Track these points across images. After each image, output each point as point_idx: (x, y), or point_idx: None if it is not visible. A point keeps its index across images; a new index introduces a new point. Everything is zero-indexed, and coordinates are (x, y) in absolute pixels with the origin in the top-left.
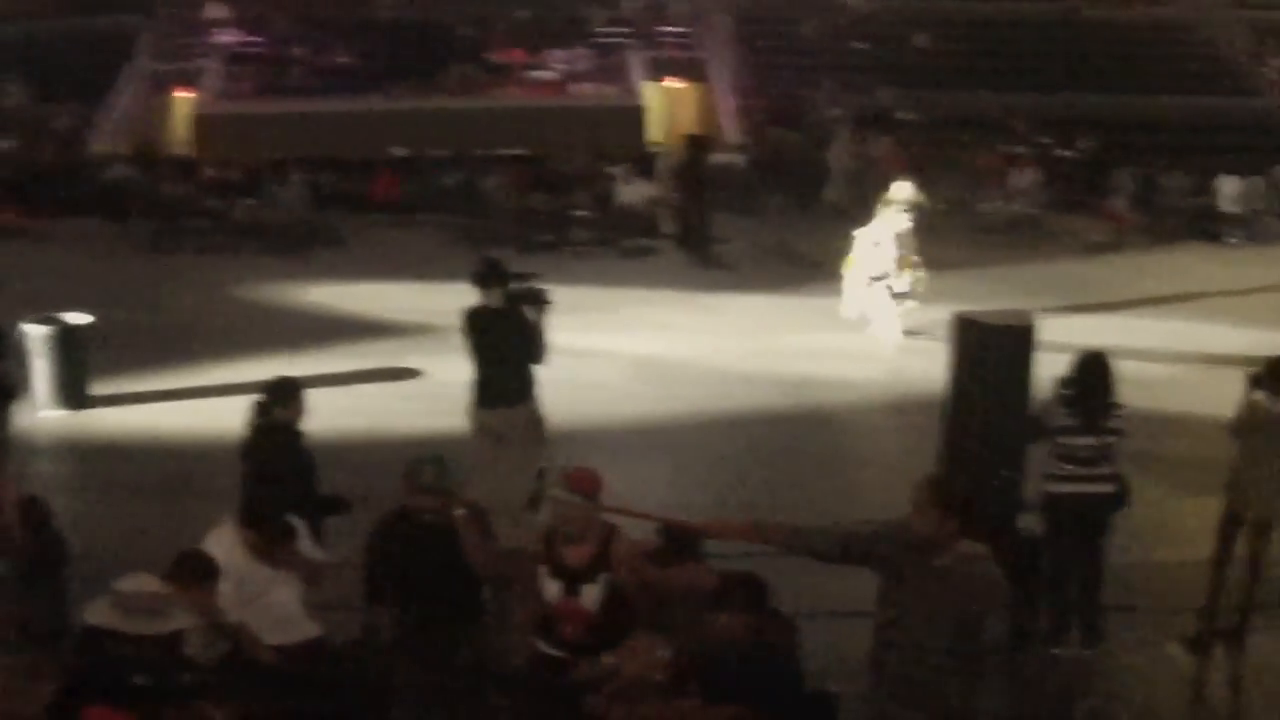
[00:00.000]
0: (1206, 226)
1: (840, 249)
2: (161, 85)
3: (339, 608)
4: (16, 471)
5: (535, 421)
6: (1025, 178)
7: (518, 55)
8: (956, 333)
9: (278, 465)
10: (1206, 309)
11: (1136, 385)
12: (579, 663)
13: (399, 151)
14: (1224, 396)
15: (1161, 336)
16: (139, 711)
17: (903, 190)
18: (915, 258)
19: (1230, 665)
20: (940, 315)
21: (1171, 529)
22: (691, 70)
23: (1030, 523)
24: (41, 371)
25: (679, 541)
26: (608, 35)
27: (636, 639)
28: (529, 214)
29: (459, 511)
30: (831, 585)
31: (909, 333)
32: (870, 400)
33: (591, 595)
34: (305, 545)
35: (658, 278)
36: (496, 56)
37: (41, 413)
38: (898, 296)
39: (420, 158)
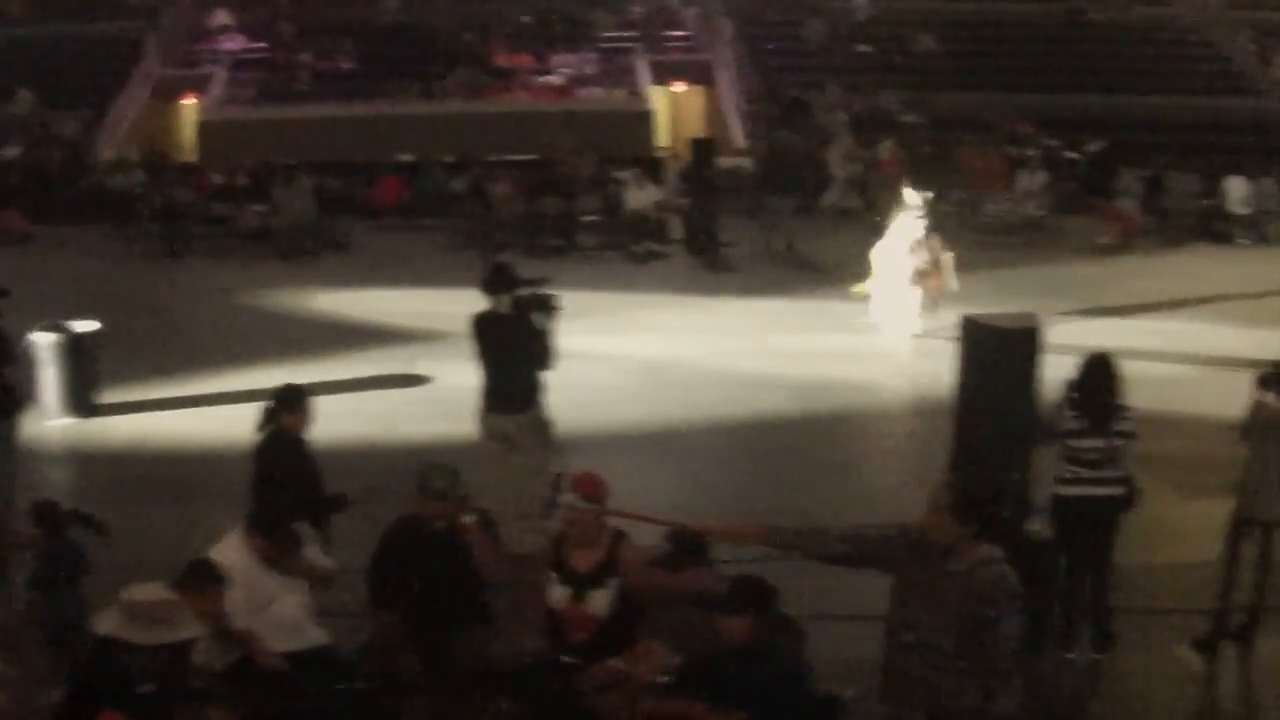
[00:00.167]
0: (1214, 227)
1: (846, 251)
2: (167, 92)
3: (347, 614)
4: (27, 480)
5: (543, 426)
6: (1032, 180)
7: (523, 60)
8: (964, 335)
9: (285, 472)
10: (1214, 310)
11: (1145, 387)
12: (587, 667)
13: (404, 156)
14: (1232, 398)
15: (1169, 338)
16: (148, 719)
17: (913, 196)
18: (943, 257)
19: (1241, 667)
20: (949, 317)
21: (1181, 531)
22: (697, 74)
23: (1039, 526)
24: (50, 379)
25: (686, 546)
26: (613, 40)
27: (644, 643)
28: (536, 219)
29: (468, 518)
30: (841, 588)
31: (924, 335)
32: (879, 403)
33: (600, 600)
34: (313, 552)
35: (665, 282)
36: (501, 61)
37: (50, 420)
38: (915, 301)
39: (426, 162)
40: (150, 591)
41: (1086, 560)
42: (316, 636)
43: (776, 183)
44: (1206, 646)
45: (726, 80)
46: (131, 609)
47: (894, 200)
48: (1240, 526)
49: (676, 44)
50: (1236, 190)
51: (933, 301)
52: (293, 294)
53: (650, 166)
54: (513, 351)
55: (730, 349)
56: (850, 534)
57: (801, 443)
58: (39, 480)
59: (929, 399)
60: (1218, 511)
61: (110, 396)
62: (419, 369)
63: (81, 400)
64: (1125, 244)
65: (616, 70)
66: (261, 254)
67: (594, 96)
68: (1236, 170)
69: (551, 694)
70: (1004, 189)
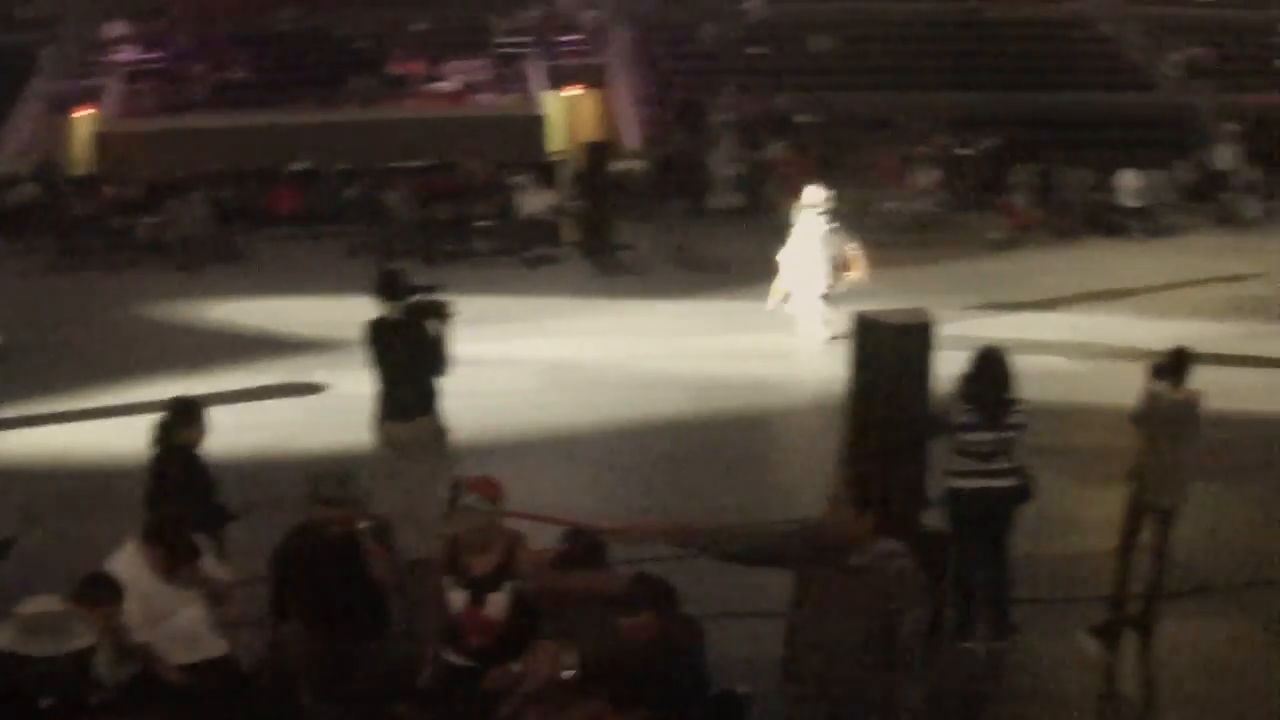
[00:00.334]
0: (1107, 220)
1: (737, 251)
2: (63, 104)
3: (245, 625)
4: None
5: (440, 433)
6: (926, 177)
7: (417, 67)
8: (856, 332)
9: (181, 484)
10: (1108, 302)
11: (1040, 379)
12: (487, 671)
13: (300, 165)
14: (1126, 387)
15: (1064, 330)
16: None
17: (814, 194)
18: (852, 255)
19: (1139, 652)
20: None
21: (1077, 519)
22: (592, 77)
23: (934, 518)
24: None
25: (583, 547)
26: (508, 45)
27: (543, 645)
28: (431, 225)
29: (362, 524)
30: (740, 586)
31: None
32: (780, 401)
33: (497, 603)
34: (210, 564)
35: (562, 285)
36: (396, 68)
37: None
38: (825, 300)
39: (321, 171)
40: (45, 604)
41: (982, 551)
42: (215, 647)
43: (669, 184)
44: (1107, 633)
45: (621, 84)
46: (26, 622)
47: (788, 200)
48: (1135, 514)
49: (572, 48)
50: (1129, 183)
51: (848, 293)
52: (189, 305)
53: (544, 171)
54: (407, 358)
55: (629, 351)
56: (755, 532)
57: (703, 443)
58: None
59: (829, 396)
60: (1113, 499)
61: (5, 411)
62: (316, 378)
63: None
64: (1019, 238)
65: (511, 75)
66: (158, 266)
67: (487, 102)
68: (1129, 163)
69: (451, 699)
70: (898, 186)
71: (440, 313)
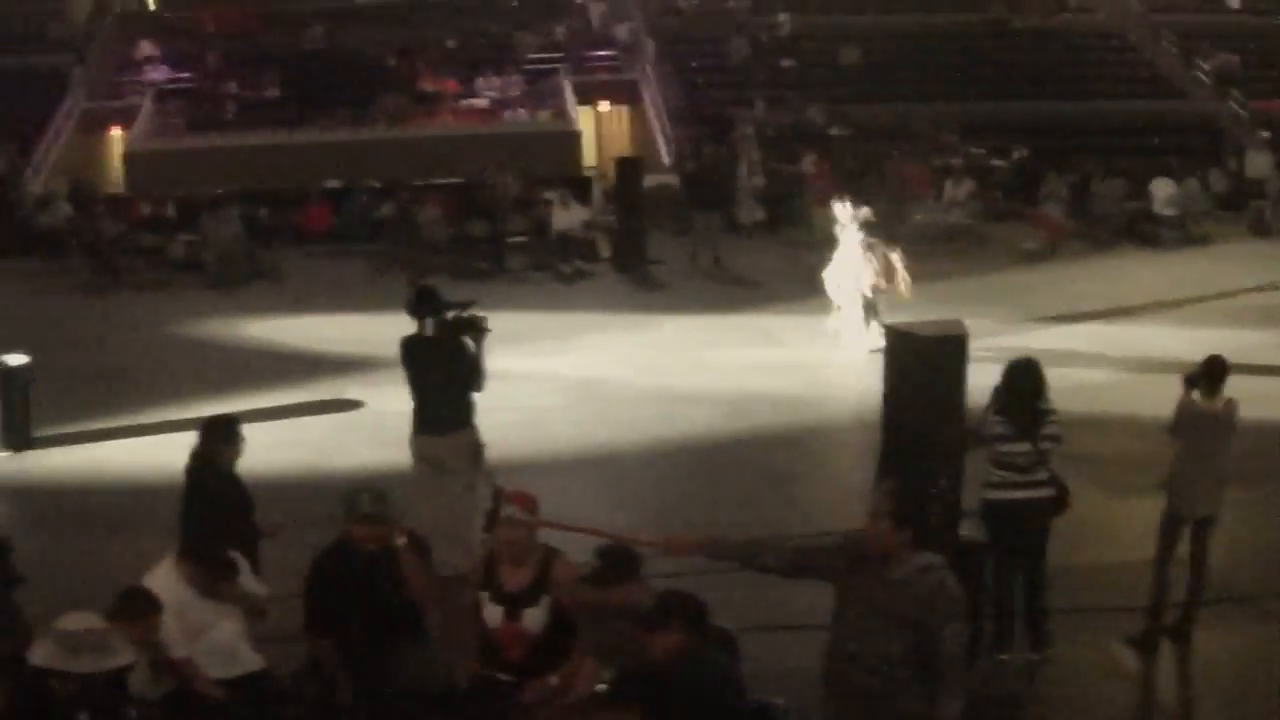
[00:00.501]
0: (1141, 230)
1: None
2: (95, 124)
3: (282, 640)
4: None
5: (475, 448)
6: (958, 188)
7: (449, 84)
8: (890, 345)
9: (218, 501)
10: (1144, 312)
11: (1075, 390)
12: (522, 685)
13: (331, 183)
14: (1161, 398)
15: (1098, 341)
16: None
17: (852, 210)
18: (896, 266)
19: (1177, 662)
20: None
21: (1114, 530)
22: (623, 93)
23: (971, 530)
24: None
25: (617, 562)
26: (539, 61)
27: (578, 660)
28: (465, 241)
29: (399, 540)
30: (773, 599)
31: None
32: (816, 415)
33: (533, 618)
34: (246, 579)
35: (595, 301)
36: (427, 85)
37: None
38: (869, 310)
39: (353, 189)
40: (83, 620)
41: (1019, 563)
42: (252, 662)
43: (701, 199)
44: (1144, 644)
45: (652, 99)
46: (64, 639)
47: (821, 213)
48: (1172, 524)
49: (602, 64)
50: (1162, 192)
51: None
52: (223, 323)
53: (577, 186)
54: (442, 374)
55: (662, 366)
56: (792, 545)
57: (738, 457)
58: None
59: (865, 410)
60: (1149, 510)
61: (44, 430)
62: (350, 394)
63: (17, 433)
64: (1053, 249)
65: (542, 91)
66: (192, 284)
67: (520, 118)
68: (1162, 172)
69: (488, 714)
70: (930, 198)
71: (475, 328)
